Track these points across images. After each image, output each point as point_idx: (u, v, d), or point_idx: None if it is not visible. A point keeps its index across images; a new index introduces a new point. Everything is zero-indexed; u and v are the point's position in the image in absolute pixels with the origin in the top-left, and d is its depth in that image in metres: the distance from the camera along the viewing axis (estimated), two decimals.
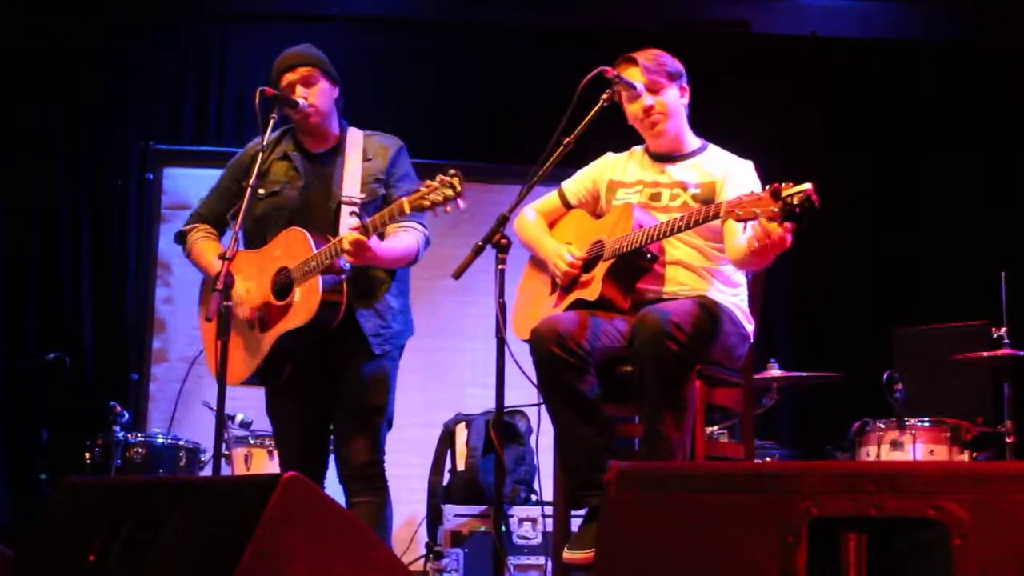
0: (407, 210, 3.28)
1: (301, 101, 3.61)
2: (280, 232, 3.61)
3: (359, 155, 3.67)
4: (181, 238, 3.85)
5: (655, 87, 3.41)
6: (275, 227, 3.64)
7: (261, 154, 3.53)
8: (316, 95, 3.63)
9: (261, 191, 3.61)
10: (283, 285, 3.57)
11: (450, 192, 3.18)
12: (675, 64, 3.47)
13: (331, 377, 3.63)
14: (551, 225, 3.63)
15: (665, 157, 3.50)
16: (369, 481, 3.61)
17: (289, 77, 3.64)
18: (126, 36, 6.50)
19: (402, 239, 3.59)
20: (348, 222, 3.52)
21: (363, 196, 3.61)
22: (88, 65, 6.43)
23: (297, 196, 3.65)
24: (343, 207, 3.54)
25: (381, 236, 3.51)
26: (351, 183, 3.61)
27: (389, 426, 3.70)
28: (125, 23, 6.47)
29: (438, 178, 3.22)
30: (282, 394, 3.70)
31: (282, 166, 3.70)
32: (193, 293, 3.92)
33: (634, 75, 3.40)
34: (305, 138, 3.74)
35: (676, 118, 3.46)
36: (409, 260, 3.64)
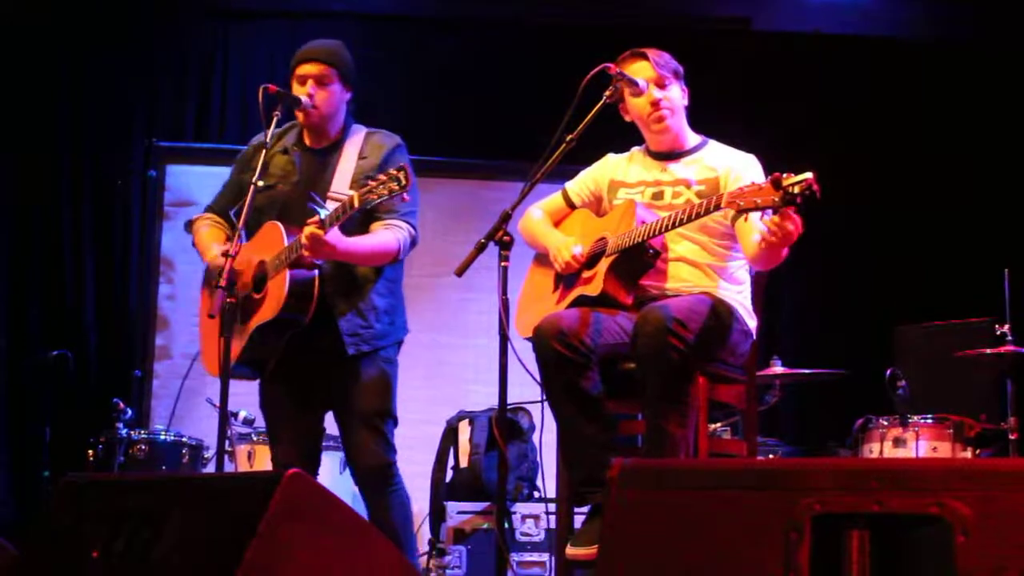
0: (356, 204, 3.29)
1: (304, 99, 3.61)
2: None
3: (356, 153, 3.67)
4: (188, 226, 3.90)
5: (663, 82, 3.42)
6: (268, 220, 3.65)
7: (265, 149, 3.54)
8: (324, 96, 3.64)
9: (260, 183, 3.59)
10: (260, 278, 3.59)
11: (395, 186, 3.22)
12: (677, 64, 3.50)
13: (319, 375, 3.63)
14: (556, 224, 3.64)
15: (666, 155, 3.50)
16: (378, 483, 3.60)
17: (306, 69, 3.65)
18: (128, 33, 6.49)
19: (378, 236, 3.57)
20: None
21: (351, 193, 3.61)
22: (89, 63, 6.42)
23: (290, 191, 3.66)
24: (330, 203, 3.49)
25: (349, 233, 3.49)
26: (342, 180, 3.59)
27: (395, 424, 3.68)
28: (126, 21, 6.47)
29: (387, 172, 3.26)
30: (270, 388, 3.72)
31: (281, 160, 3.73)
32: (196, 290, 3.93)
33: (644, 69, 3.40)
34: (307, 133, 3.75)
35: (679, 115, 3.48)
36: (387, 257, 3.59)
